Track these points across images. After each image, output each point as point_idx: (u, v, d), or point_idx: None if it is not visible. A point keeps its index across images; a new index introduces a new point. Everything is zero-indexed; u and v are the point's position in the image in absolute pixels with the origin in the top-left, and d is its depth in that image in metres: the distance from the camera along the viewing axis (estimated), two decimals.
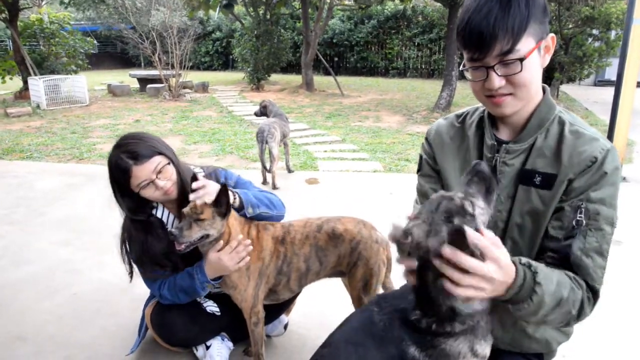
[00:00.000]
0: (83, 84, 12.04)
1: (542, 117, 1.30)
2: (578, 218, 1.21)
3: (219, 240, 1.97)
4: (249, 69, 15.28)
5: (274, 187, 5.14)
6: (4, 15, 12.40)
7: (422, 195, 1.53)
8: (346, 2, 17.18)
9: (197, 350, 2.30)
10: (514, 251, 1.31)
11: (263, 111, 5.85)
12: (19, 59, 12.40)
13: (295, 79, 16.85)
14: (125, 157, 1.88)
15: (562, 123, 1.30)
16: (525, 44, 1.17)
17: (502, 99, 1.26)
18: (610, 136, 5.55)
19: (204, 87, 14.70)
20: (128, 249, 2.12)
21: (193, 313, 2.21)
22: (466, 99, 12.93)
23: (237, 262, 1.97)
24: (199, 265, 2.03)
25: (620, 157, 5.57)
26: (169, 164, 1.96)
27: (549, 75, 12.65)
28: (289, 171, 5.83)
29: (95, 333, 2.57)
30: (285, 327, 2.55)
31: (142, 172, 1.89)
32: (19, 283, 3.12)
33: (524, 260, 1.14)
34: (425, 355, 1.14)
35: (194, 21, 18.17)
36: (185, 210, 1.88)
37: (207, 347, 2.27)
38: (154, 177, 1.91)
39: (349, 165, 6.23)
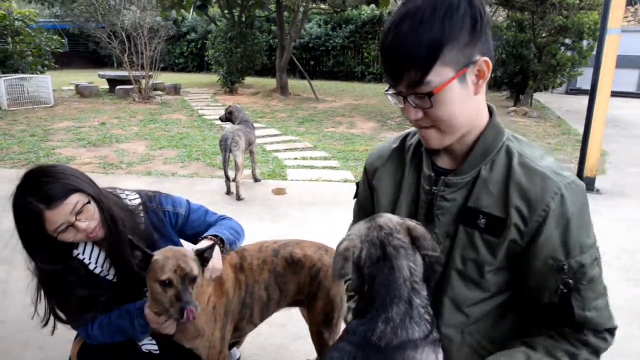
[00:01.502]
0: (48, 84, 11.59)
1: (487, 146, 1.10)
2: (564, 278, 1.04)
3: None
4: (222, 72, 14.98)
5: (239, 197, 4.90)
6: None
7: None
8: (322, 6, 17.02)
9: None
10: (457, 306, 1.14)
11: (228, 117, 5.59)
12: None
13: (270, 82, 16.61)
14: (33, 200, 1.54)
15: (509, 153, 1.10)
16: (439, 75, 0.97)
17: (426, 132, 1.08)
18: (584, 147, 5.49)
19: (175, 89, 14.35)
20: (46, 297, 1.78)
21: (126, 353, 1.95)
22: None
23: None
24: (140, 306, 1.73)
25: (594, 168, 5.50)
26: (89, 202, 1.64)
27: (523, 83, 12.72)
28: (255, 180, 5.59)
29: None
30: None
31: (57, 216, 1.56)
32: None
33: None
34: None
35: (168, 22, 17.79)
36: (171, 276, 1.54)
37: None
38: (73, 219, 1.58)
39: (319, 174, 6.02)
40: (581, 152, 5.57)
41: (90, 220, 1.63)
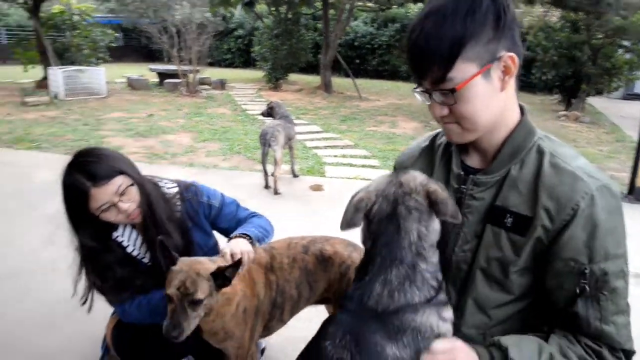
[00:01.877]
0: (101, 76, 12.08)
1: (517, 145, 1.09)
2: (583, 283, 1.00)
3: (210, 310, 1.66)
4: (267, 68, 15.18)
5: (276, 192, 4.97)
6: (27, 5, 12.54)
7: None
8: (368, 4, 16.95)
9: None
10: (479, 307, 1.12)
11: (269, 112, 5.67)
12: (41, 49, 12.50)
13: (314, 80, 16.68)
14: (82, 177, 1.62)
15: (541, 153, 1.07)
16: (462, 71, 0.97)
17: (449, 126, 1.08)
18: (638, 156, 5.24)
19: (221, 84, 14.64)
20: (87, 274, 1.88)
21: (157, 334, 2.02)
22: None
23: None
24: None
25: None
26: (132, 184, 1.73)
27: (576, 87, 12.24)
28: (294, 176, 5.65)
29: (60, 342, 2.43)
30: (263, 351, 2.36)
31: (101, 194, 1.63)
32: None
33: (494, 339, 1.01)
34: (403, 346, 0.98)
35: (217, 18, 18.15)
36: (171, 291, 1.52)
37: None
38: (116, 199, 1.66)
39: (358, 172, 6.02)
40: (635, 161, 5.33)
41: (131, 203, 1.71)
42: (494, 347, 1.01)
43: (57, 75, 11.21)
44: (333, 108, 11.72)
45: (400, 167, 1.33)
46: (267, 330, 1.98)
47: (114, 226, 1.84)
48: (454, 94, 0.99)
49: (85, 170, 1.63)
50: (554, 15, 17.23)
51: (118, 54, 22.31)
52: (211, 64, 21.94)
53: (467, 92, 0.99)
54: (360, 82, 15.28)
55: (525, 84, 18.02)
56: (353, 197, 1.07)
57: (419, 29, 0.98)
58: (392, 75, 20.93)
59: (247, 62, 23.69)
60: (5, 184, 5.04)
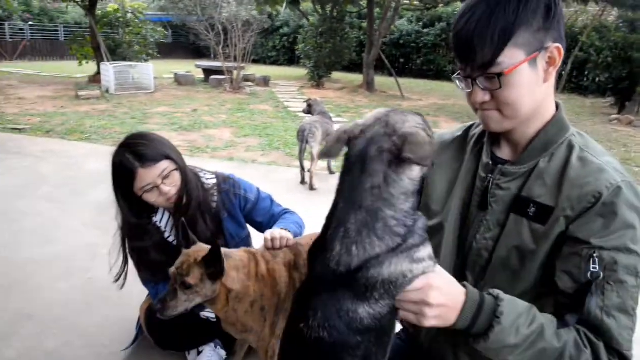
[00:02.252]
0: (150, 71, 12.50)
1: (548, 139, 1.08)
2: (592, 269, 0.97)
3: (215, 302, 1.69)
4: (310, 66, 15.28)
5: (312, 187, 5.02)
6: (84, 3, 13.14)
7: None
8: (415, 3, 16.76)
9: (189, 354, 2.22)
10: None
11: (308, 109, 5.74)
12: (95, 45, 13.07)
13: (357, 78, 16.66)
14: (131, 158, 1.74)
15: (571, 147, 1.07)
16: (511, 57, 0.98)
17: (488, 113, 1.08)
18: None
19: (265, 81, 14.86)
20: (127, 252, 2.02)
21: (187, 317, 2.10)
22: None
23: None
24: None
25: None
26: (176, 169, 1.84)
27: (631, 89, 11.70)
28: (331, 172, 5.69)
29: (98, 321, 2.55)
30: None
31: (147, 175, 1.75)
32: (42, 261, 3.19)
33: (495, 290, 0.98)
34: (375, 301, 0.91)
35: (263, 16, 18.40)
36: (172, 270, 1.61)
37: (199, 353, 2.17)
38: (159, 182, 1.77)
39: None
40: None
41: (173, 187, 1.82)
42: (490, 295, 0.98)
43: (109, 70, 11.70)
44: (374, 107, 11.61)
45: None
46: None
47: (154, 210, 1.95)
48: (500, 78, 1.00)
49: (135, 152, 1.75)
50: (611, 15, 16.51)
51: (167, 51, 23.02)
52: (256, 61, 22.27)
53: (513, 78, 1.00)
54: (404, 81, 15.16)
55: (577, 87, 17.41)
56: (344, 126, 0.98)
57: (470, 14, 1.00)
58: (437, 75, 20.63)
59: (292, 59, 23.93)
60: (57, 172, 5.32)
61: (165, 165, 1.79)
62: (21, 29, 23.57)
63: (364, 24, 17.91)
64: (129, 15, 14.15)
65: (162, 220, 1.99)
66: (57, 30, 24.80)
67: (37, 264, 3.15)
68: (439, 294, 0.93)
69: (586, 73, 16.94)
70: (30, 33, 23.94)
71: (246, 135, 7.80)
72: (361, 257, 0.89)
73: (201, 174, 2.06)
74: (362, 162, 0.91)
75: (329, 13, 15.03)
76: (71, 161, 5.81)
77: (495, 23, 0.97)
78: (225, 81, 13.31)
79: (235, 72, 13.06)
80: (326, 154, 0.98)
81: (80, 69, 14.58)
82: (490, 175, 1.15)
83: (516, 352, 0.96)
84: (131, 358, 2.29)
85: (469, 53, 1.02)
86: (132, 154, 1.75)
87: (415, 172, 0.91)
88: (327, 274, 0.92)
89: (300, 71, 18.66)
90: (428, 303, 0.92)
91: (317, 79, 15.22)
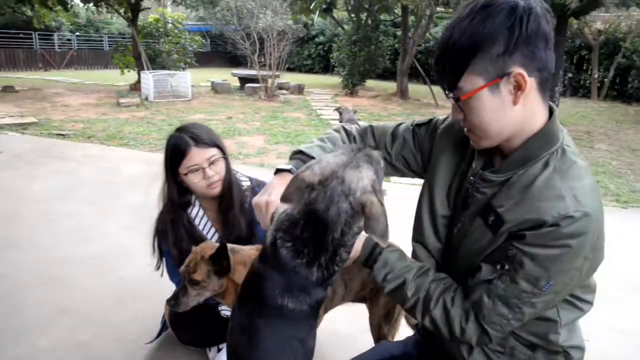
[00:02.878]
0: (187, 80, 12.88)
1: (527, 154, 1.09)
2: (503, 262, 1.07)
3: (225, 296, 1.75)
4: (344, 73, 15.37)
5: None
6: (127, 14, 13.68)
7: (387, 134, 1.45)
8: (449, 10, 16.63)
9: (209, 350, 2.30)
10: (458, 275, 1.22)
11: (340, 117, 5.82)
12: (137, 54, 13.58)
13: (391, 86, 16.64)
14: (186, 137, 1.92)
15: (546, 166, 1.07)
16: (470, 82, 1.03)
17: (466, 131, 1.15)
18: None
19: (299, 89, 15.04)
20: (158, 241, 2.15)
21: (207, 314, 2.19)
22: (573, 118, 11.94)
23: None
24: None
25: None
26: (224, 158, 2.00)
27: None
28: None
29: (127, 317, 2.68)
30: None
31: (198, 155, 1.91)
32: (78, 260, 3.36)
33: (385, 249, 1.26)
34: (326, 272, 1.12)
35: (298, 25, 18.65)
36: (182, 268, 1.71)
37: (219, 350, 2.25)
38: (206, 165, 1.93)
39: None
40: None
41: (217, 174, 1.96)
42: (380, 251, 1.24)
43: (149, 78, 12.12)
44: (407, 114, 11.65)
45: (443, 133, 1.34)
46: None
47: (190, 202, 2.09)
48: (458, 102, 1.06)
49: (191, 133, 1.94)
50: None
51: (205, 60, 23.58)
52: (292, 70, 22.51)
53: (473, 103, 1.04)
54: (438, 89, 15.01)
55: (619, 94, 16.84)
56: (301, 170, 1.10)
57: (439, 42, 1.07)
58: None
59: (327, 68, 24.11)
60: (97, 175, 5.57)
61: (214, 151, 1.95)
62: (69, 40, 24.73)
63: (399, 32, 17.90)
64: (169, 25, 14.63)
65: (197, 215, 2.11)
66: (101, 41, 25.87)
67: (73, 262, 3.33)
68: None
69: (629, 79, 16.38)
70: (77, 43, 25.07)
71: (278, 143, 7.94)
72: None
73: (237, 175, 2.18)
74: (325, 223, 1.06)
75: (363, 21, 15.11)
76: (109, 165, 6.06)
77: (454, 51, 1.02)
78: (260, 89, 13.55)
79: (269, 80, 13.29)
80: (286, 198, 1.11)
81: (122, 78, 15.15)
82: (472, 178, 1.20)
83: (387, 288, 1.23)
84: (155, 352, 2.40)
85: (438, 75, 1.08)
86: (188, 135, 1.93)
87: (362, 223, 1.08)
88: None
89: (335, 79, 18.79)
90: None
91: (351, 86, 15.30)
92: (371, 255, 1.25)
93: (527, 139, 1.09)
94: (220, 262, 1.63)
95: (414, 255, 1.35)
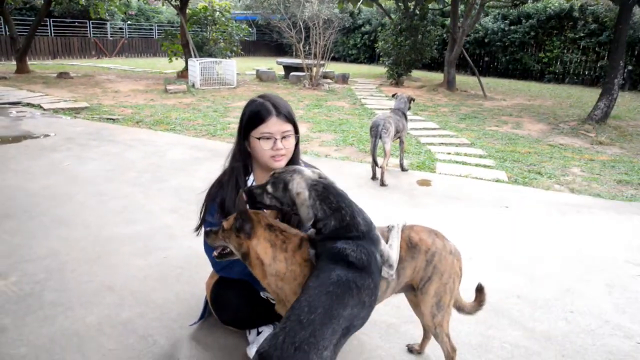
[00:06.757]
0: (233, 68, 13.01)
1: None
2: None
3: (252, 267, 1.82)
4: (389, 63, 15.13)
5: (382, 183, 4.98)
6: (176, 3, 13.91)
7: None
8: (501, 0, 16.05)
9: (249, 333, 2.29)
10: None
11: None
12: (185, 42, 13.80)
13: (438, 77, 16.28)
14: (270, 106, 2.00)
15: None
16: None
17: None
18: None
19: (344, 79, 14.92)
20: (206, 206, 2.17)
21: (249, 296, 2.17)
22: (631, 112, 11.32)
23: None
24: None
25: None
26: (295, 135, 2.06)
27: None
28: (402, 169, 5.60)
29: (169, 297, 2.70)
30: None
31: (275, 125, 1.98)
32: (124, 239, 3.43)
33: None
34: None
35: (345, 14, 18.48)
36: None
37: (259, 333, 2.24)
38: (279, 136, 1.99)
39: (470, 171, 5.79)
40: None
41: (286, 149, 2.02)
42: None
43: (195, 66, 12.30)
44: (453, 106, 11.35)
45: None
46: None
47: (249, 169, 2.14)
48: None
49: (275, 102, 2.03)
50: None
51: (251, 48, 23.77)
52: (337, 59, 22.37)
53: None
54: (488, 80, 14.60)
55: None
56: (298, 193, 1.69)
57: None
58: (524, 74, 19.67)
59: (372, 58, 23.85)
60: (143, 159, 5.69)
61: (290, 127, 2.03)
62: (120, 28, 25.48)
63: (447, 21, 17.47)
64: (217, 14, 14.77)
65: (250, 184, 2.12)
66: (151, 29, 26.53)
67: (119, 241, 3.40)
68: None
69: None
70: (128, 32, 25.80)
71: (321, 131, 7.89)
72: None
73: (301, 160, 2.20)
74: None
75: (411, 10, 14.79)
76: (156, 149, 6.18)
77: None
78: (305, 78, 13.52)
79: (314, 69, 13.24)
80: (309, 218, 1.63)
81: (170, 65, 15.47)
82: None
83: None
84: (196, 332, 2.40)
85: None
86: (272, 104, 2.01)
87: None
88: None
89: (380, 69, 18.54)
90: None
91: (396, 76, 15.05)
92: None
93: None
94: (242, 222, 1.75)
95: None
